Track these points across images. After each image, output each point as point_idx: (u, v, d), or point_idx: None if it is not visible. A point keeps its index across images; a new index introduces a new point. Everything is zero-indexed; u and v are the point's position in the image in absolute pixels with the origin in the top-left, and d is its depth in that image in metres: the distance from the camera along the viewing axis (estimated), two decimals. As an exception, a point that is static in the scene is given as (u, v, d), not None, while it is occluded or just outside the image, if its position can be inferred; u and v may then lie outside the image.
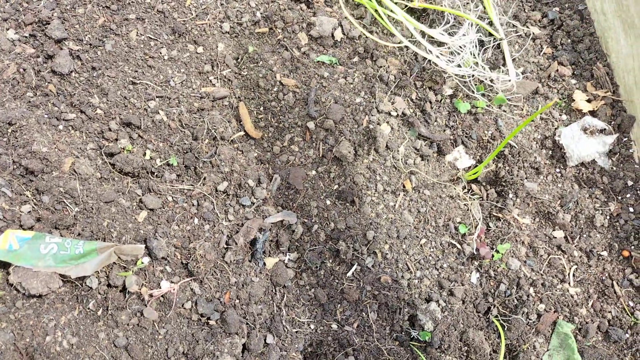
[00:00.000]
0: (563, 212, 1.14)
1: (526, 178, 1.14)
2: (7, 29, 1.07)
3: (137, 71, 1.09)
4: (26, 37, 1.07)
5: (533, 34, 1.24)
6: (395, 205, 1.10)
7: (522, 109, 1.19)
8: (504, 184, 1.14)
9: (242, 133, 1.09)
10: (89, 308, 0.98)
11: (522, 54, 1.22)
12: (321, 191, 1.10)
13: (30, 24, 1.08)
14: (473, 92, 1.16)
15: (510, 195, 1.13)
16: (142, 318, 0.99)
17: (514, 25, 1.24)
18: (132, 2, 1.11)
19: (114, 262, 0.99)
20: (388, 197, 1.11)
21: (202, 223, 1.06)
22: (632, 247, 1.12)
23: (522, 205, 1.14)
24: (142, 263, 1.00)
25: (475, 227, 1.12)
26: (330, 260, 1.08)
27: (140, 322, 0.99)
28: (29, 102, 1.04)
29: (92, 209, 1.01)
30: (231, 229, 1.06)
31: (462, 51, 1.15)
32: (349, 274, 1.06)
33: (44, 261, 0.94)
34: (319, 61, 1.15)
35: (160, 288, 1.00)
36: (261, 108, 1.11)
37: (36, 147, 1.00)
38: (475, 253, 1.10)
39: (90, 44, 1.09)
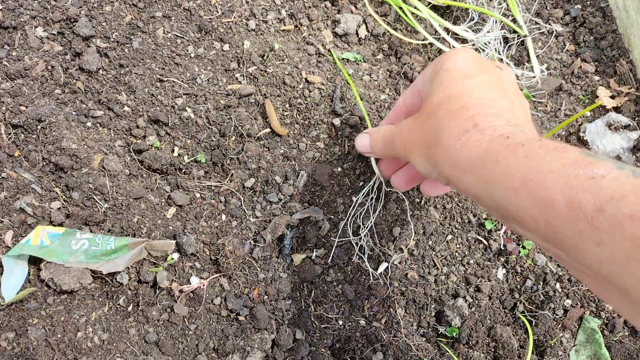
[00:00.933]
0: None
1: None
2: (36, 27, 1.07)
3: (164, 69, 1.10)
4: (54, 34, 1.08)
5: (556, 31, 1.24)
6: (420, 201, 1.11)
7: (547, 106, 1.19)
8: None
9: (268, 130, 1.09)
10: (119, 304, 0.98)
11: (545, 50, 1.23)
12: (347, 188, 1.10)
13: (58, 21, 1.08)
14: (498, 88, 1.16)
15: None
16: (172, 314, 0.99)
17: (536, 23, 1.25)
18: (158, 0, 1.12)
19: (144, 258, 0.99)
20: (413, 193, 1.11)
21: (230, 219, 1.06)
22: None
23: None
24: (172, 259, 1.00)
25: (501, 223, 1.12)
26: (357, 257, 1.08)
27: (171, 318, 0.99)
28: (58, 99, 1.05)
29: (122, 205, 1.01)
30: (258, 226, 1.06)
31: (486, 48, 1.15)
32: (379, 271, 1.06)
33: (75, 257, 0.95)
34: (343, 58, 1.16)
35: (190, 284, 1.00)
36: (287, 105, 1.11)
37: (65, 144, 1.00)
38: (502, 249, 1.10)
39: (118, 42, 1.09)
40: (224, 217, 1.06)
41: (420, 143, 0.70)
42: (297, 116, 1.12)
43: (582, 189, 0.47)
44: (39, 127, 1.01)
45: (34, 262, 0.96)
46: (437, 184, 0.85)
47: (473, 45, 1.16)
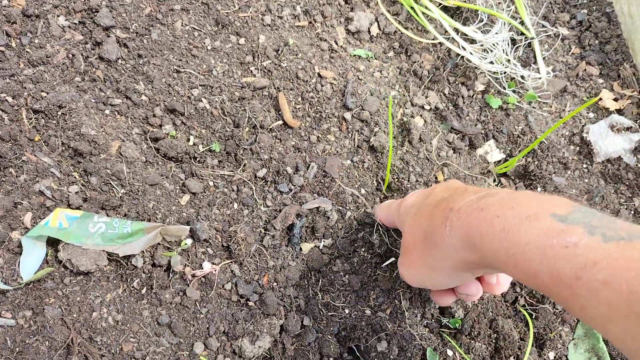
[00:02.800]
0: (589, 206, 1.17)
1: (554, 173, 1.17)
2: (58, 16, 1.10)
3: (181, 60, 1.13)
4: (75, 23, 1.11)
5: (562, 34, 1.28)
6: (427, 195, 1.14)
7: (551, 106, 1.23)
8: (532, 177, 1.18)
9: (280, 122, 1.12)
10: (133, 286, 1.01)
11: (551, 53, 1.26)
12: (355, 180, 1.13)
13: (79, 11, 1.11)
14: (504, 88, 1.20)
15: (539, 189, 1.17)
16: (184, 297, 1.02)
17: (543, 26, 1.28)
18: (177, -7, 1.15)
19: (159, 243, 1.02)
20: (420, 187, 1.14)
21: (242, 208, 1.09)
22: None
23: (549, 199, 1.17)
24: (186, 244, 1.03)
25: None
26: (364, 249, 1.11)
27: (183, 301, 1.02)
28: (78, 86, 1.08)
29: (138, 191, 1.04)
30: (269, 214, 1.09)
31: (494, 49, 1.18)
32: (384, 265, 1.09)
33: (92, 239, 0.98)
34: (355, 55, 1.19)
35: (202, 269, 1.03)
36: (299, 98, 1.14)
37: (85, 130, 1.03)
38: (506, 243, 1.13)
39: (137, 33, 1.12)
40: (235, 205, 1.09)
41: (420, 265, 0.80)
42: (309, 109, 1.15)
43: (559, 258, 0.50)
44: (59, 113, 1.04)
45: (52, 243, 0.99)
46: (445, 295, 0.92)
47: (482, 45, 1.19)
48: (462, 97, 1.19)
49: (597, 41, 1.28)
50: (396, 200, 0.96)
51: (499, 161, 1.20)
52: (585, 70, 1.24)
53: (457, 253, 0.66)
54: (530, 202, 0.58)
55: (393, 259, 1.10)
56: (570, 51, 1.27)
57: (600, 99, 1.22)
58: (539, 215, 0.54)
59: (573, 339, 1.13)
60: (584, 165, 1.20)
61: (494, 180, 1.19)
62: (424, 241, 0.75)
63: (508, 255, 0.55)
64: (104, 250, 0.98)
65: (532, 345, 1.11)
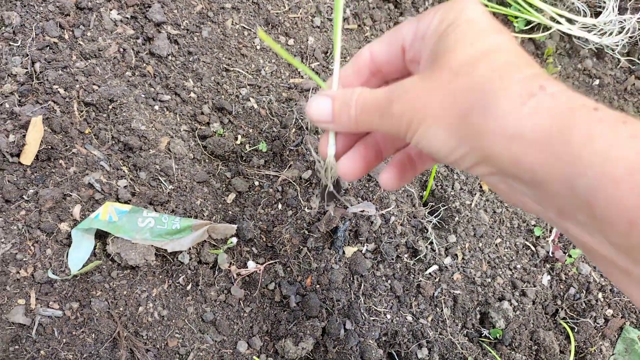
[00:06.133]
0: None
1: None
2: (111, 9, 1.11)
3: (230, 59, 1.13)
4: (128, 18, 1.11)
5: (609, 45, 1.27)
6: (471, 204, 1.13)
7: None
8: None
9: (327, 124, 1.12)
10: (178, 282, 1.01)
11: (600, 65, 1.25)
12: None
13: (132, 5, 1.11)
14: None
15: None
16: (229, 295, 1.02)
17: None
18: (229, -9, 1.15)
19: (205, 240, 1.02)
20: (465, 195, 1.14)
21: (286, 209, 1.09)
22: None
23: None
24: (231, 243, 1.03)
25: (550, 231, 1.15)
26: (407, 255, 1.10)
27: (227, 299, 1.02)
28: (128, 81, 1.08)
29: (186, 187, 1.04)
30: (313, 217, 1.09)
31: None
32: (427, 272, 1.09)
33: (141, 234, 0.98)
34: (403, 60, 1.19)
35: (247, 268, 1.03)
36: (346, 101, 1.14)
37: (135, 125, 1.04)
38: (551, 256, 1.13)
39: (188, 30, 1.12)
40: (280, 206, 1.09)
41: (444, 110, 0.51)
42: (356, 113, 1.14)
43: None
44: (110, 107, 1.04)
45: (100, 236, 1.00)
46: (407, 172, 0.64)
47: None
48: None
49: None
50: (415, 17, 0.63)
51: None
52: (634, 84, 1.23)
53: (510, 142, 0.46)
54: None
55: (436, 266, 1.10)
56: (619, 65, 1.27)
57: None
58: None
59: (613, 354, 1.12)
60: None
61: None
62: (467, 90, 0.50)
63: (631, 172, 0.40)
64: (152, 245, 0.98)
65: (573, 359, 1.10)
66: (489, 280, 1.12)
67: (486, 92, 0.48)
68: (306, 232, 1.08)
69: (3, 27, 1.03)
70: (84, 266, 0.96)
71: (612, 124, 0.42)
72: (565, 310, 1.14)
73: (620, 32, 1.18)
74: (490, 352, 1.08)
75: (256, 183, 1.09)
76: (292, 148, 1.10)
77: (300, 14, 1.17)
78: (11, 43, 1.03)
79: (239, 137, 1.10)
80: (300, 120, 1.12)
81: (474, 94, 0.48)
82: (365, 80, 0.62)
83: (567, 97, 0.45)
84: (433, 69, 0.53)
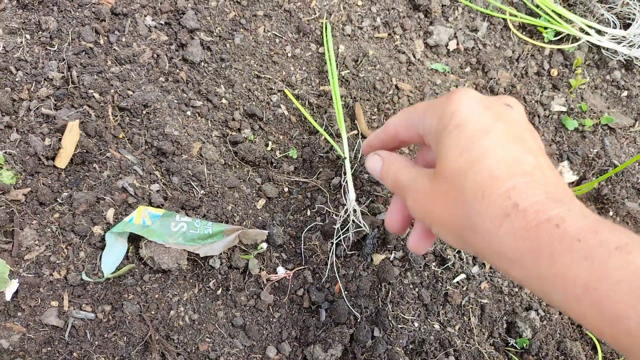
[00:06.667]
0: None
1: (627, 198, 1.16)
2: (145, 15, 1.12)
3: (262, 66, 1.14)
4: (162, 24, 1.13)
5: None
6: (499, 213, 1.13)
7: (629, 130, 1.22)
8: (605, 201, 1.17)
9: (355, 132, 1.13)
10: (209, 287, 1.02)
11: (629, 78, 1.25)
12: (428, 194, 1.13)
13: (166, 12, 1.13)
14: (582, 110, 1.19)
15: (611, 213, 1.16)
16: (258, 300, 1.03)
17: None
18: (261, -1, 1.17)
19: (236, 245, 1.03)
20: (492, 205, 1.14)
21: (315, 215, 1.10)
22: None
23: (621, 223, 1.16)
24: (262, 248, 1.04)
25: (577, 241, 1.14)
26: (435, 264, 1.11)
27: (257, 305, 1.03)
28: (162, 86, 1.09)
29: (217, 193, 1.05)
30: (342, 223, 1.10)
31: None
32: (455, 280, 1.09)
33: (174, 238, 0.99)
34: (432, 68, 1.19)
35: (276, 273, 1.04)
36: (375, 109, 1.15)
37: (168, 130, 1.05)
38: (578, 266, 1.12)
39: (220, 36, 1.14)
40: (309, 212, 1.10)
41: (446, 220, 0.59)
42: (384, 120, 1.15)
43: None
44: (144, 112, 1.05)
45: (132, 240, 1.01)
46: (428, 241, 0.72)
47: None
48: (538, 116, 1.19)
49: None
50: (424, 103, 0.70)
51: (572, 183, 1.20)
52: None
53: (497, 258, 0.54)
54: (615, 229, 0.48)
55: (464, 275, 1.10)
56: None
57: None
58: (630, 248, 0.45)
59: (641, 367, 1.11)
60: (658, 192, 1.19)
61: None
62: (460, 203, 0.56)
63: (587, 290, 0.46)
64: (185, 250, 0.99)
65: (601, 371, 1.10)
66: (516, 289, 1.12)
67: (472, 212, 0.55)
68: (335, 239, 1.08)
69: (40, 32, 1.05)
70: (117, 269, 0.97)
71: (568, 245, 0.48)
72: (591, 321, 1.13)
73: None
74: (517, 362, 1.08)
75: (286, 189, 1.10)
76: (321, 155, 1.11)
77: (332, 22, 1.18)
78: (48, 48, 1.05)
79: (270, 143, 1.11)
80: (330, 127, 1.13)
81: (463, 211, 0.56)
82: (396, 144, 0.74)
83: (535, 211, 0.50)
84: (436, 172, 0.60)
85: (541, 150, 0.61)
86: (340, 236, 1.05)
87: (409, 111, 0.70)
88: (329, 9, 1.18)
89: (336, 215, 1.10)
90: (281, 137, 1.12)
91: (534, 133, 0.64)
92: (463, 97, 0.61)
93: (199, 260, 1.02)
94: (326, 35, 1.14)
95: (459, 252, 1.11)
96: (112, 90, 1.05)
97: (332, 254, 1.06)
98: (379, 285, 1.09)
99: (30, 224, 0.96)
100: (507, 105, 0.64)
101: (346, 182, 1.05)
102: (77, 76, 1.03)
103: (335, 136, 1.13)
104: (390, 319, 1.07)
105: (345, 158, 1.06)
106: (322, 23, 1.18)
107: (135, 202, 1.02)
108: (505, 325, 1.11)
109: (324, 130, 1.11)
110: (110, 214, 1.00)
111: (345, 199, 1.08)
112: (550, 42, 1.23)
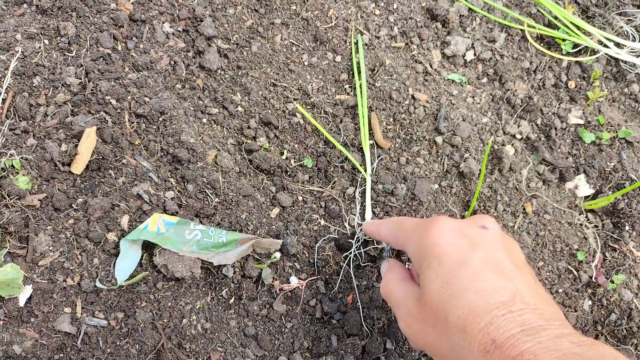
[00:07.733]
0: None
1: (644, 212, 1.15)
2: (163, 22, 1.12)
3: (278, 74, 1.14)
4: (179, 31, 1.13)
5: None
6: (514, 226, 1.13)
7: (646, 144, 1.21)
8: (621, 215, 1.16)
9: (371, 142, 1.13)
10: (221, 295, 1.02)
11: (646, 90, 1.24)
12: (442, 205, 1.13)
13: (184, 19, 1.13)
14: (599, 123, 1.18)
15: (627, 228, 1.15)
16: (271, 310, 1.02)
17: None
18: (278, 7, 1.16)
19: (249, 254, 1.03)
20: (507, 217, 1.13)
21: (329, 225, 1.09)
22: None
23: (637, 238, 1.15)
24: (275, 257, 1.04)
25: (593, 256, 1.14)
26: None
27: (269, 314, 1.02)
28: (178, 93, 1.09)
29: (232, 201, 1.05)
30: (355, 233, 1.09)
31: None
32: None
33: (188, 246, 0.99)
34: (449, 79, 1.19)
35: (289, 283, 1.04)
36: (391, 119, 1.14)
37: (184, 137, 1.05)
38: (593, 281, 1.12)
39: (237, 44, 1.14)
40: (323, 222, 1.09)
41: (436, 348, 0.66)
42: (400, 131, 1.15)
43: None
44: (160, 119, 1.05)
45: (146, 247, 1.01)
46: None
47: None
48: (555, 128, 1.18)
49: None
50: (412, 219, 0.80)
51: (588, 196, 1.19)
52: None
53: None
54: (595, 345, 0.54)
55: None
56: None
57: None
58: None
59: (655, 384, 1.10)
60: (676, 207, 1.18)
61: (580, 213, 1.18)
62: (446, 335, 0.63)
63: None
64: (198, 258, 0.98)
65: (615, 388, 1.09)
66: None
67: (457, 347, 0.61)
68: (348, 249, 1.08)
69: (59, 37, 1.05)
70: (130, 277, 0.98)
71: None
72: (605, 336, 1.12)
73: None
74: (530, 377, 1.07)
75: (300, 198, 1.10)
76: (337, 165, 1.11)
77: (349, 29, 1.17)
78: (66, 53, 1.05)
79: (285, 151, 1.11)
80: (345, 137, 1.12)
81: (450, 343, 0.62)
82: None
83: (510, 345, 0.55)
84: (422, 300, 0.67)
85: (519, 267, 0.66)
86: (353, 251, 1.05)
87: (397, 229, 0.81)
88: (346, 17, 1.18)
89: (350, 225, 1.10)
90: (296, 145, 1.11)
91: (511, 248, 0.70)
92: (440, 227, 0.69)
93: (212, 269, 1.01)
94: (356, 49, 1.14)
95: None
96: (129, 97, 1.05)
97: (350, 266, 1.05)
98: (392, 297, 1.08)
99: (45, 230, 0.96)
100: (482, 228, 0.71)
101: (363, 205, 1.07)
102: (95, 82, 1.03)
103: (350, 145, 1.12)
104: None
105: (365, 177, 1.07)
106: (341, 32, 1.17)
107: (150, 209, 1.02)
108: (518, 340, 1.10)
109: (340, 139, 1.11)
110: (125, 220, 1.00)
111: (360, 217, 1.08)
112: (568, 54, 1.23)
